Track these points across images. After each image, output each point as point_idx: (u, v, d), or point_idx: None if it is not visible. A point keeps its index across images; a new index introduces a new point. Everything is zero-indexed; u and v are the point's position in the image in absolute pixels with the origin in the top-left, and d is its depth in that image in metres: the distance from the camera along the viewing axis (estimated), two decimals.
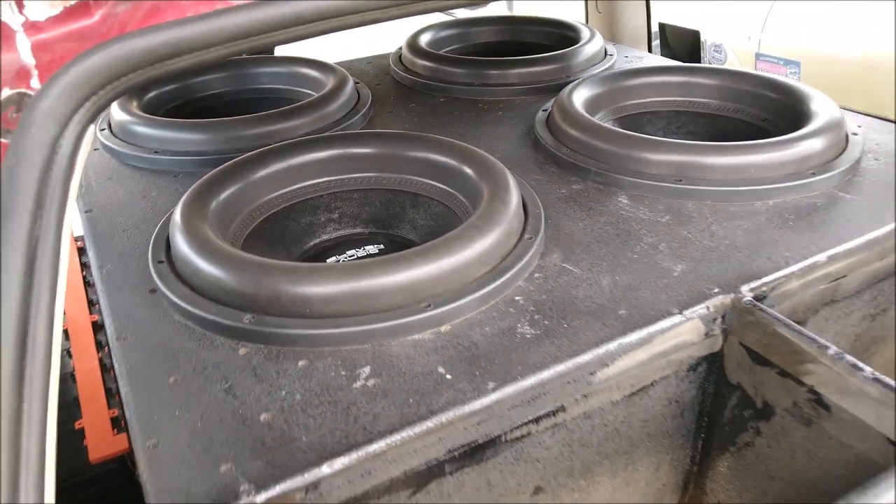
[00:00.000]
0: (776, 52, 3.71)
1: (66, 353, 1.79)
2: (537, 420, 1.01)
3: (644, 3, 2.68)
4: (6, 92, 0.82)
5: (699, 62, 2.92)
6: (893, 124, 1.71)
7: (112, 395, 1.70)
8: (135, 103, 1.81)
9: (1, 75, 0.81)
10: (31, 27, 0.81)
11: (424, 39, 2.24)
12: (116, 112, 1.77)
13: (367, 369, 1.01)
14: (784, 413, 1.09)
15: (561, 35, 2.28)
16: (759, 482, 1.19)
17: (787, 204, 1.37)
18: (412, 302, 1.08)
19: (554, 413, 1.02)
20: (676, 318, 1.08)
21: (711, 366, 1.17)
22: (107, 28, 0.81)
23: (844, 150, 1.50)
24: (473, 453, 0.97)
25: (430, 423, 0.91)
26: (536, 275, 1.20)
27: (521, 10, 6.29)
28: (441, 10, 0.97)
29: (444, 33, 2.32)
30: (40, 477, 0.70)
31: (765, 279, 1.15)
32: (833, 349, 1.00)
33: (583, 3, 2.80)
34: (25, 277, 0.69)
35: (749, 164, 1.39)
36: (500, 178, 1.31)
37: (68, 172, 0.76)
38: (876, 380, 0.95)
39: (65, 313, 1.90)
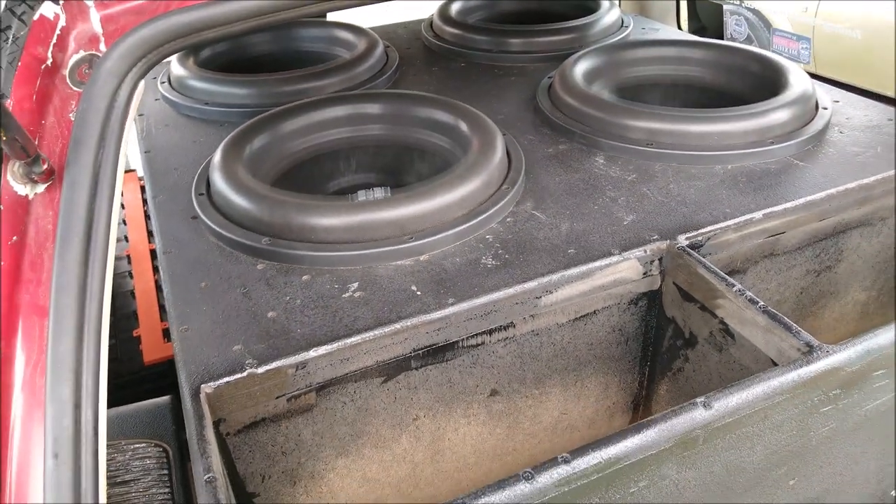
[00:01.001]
0: (838, 24, 3.74)
1: (128, 274, 2.10)
2: (490, 332, 1.24)
3: None
4: (81, 53, 1.09)
5: (722, 35, 3.03)
6: (873, 101, 1.84)
7: (165, 310, 2.01)
8: (192, 60, 2.08)
9: (78, 41, 1.08)
10: (101, 4, 1.06)
11: (454, 7, 2.44)
12: (175, 68, 2.05)
13: (355, 285, 1.25)
14: (704, 342, 1.30)
15: (582, 6, 2.44)
16: None
17: (744, 169, 1.54)
18: (399, 235, 1.32)
19: (505, 328, 1.25)
20: (615, 258, 1.29)
21: (652, 302, 1.38)
22: (156, 5, 1.07)
23: (810, 122, 1.65)
24: (435, 354, 1.22)
25: (397, 326, 1.16)
26: (508, 219, 1.42)
27: None
28: None
29: (473, 2, 2.51)
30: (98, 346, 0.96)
31: (701, 230, 1.34)
32: (737, 286, 1.19)
33: None
34: (91, 190, 0.95)
35: (712, 131, 1.56)
36: (488, 135, 1.52)
37: (124, 115, 1.02)
38: (765, 311, 1.14)
39: (127, 240, 2.22)
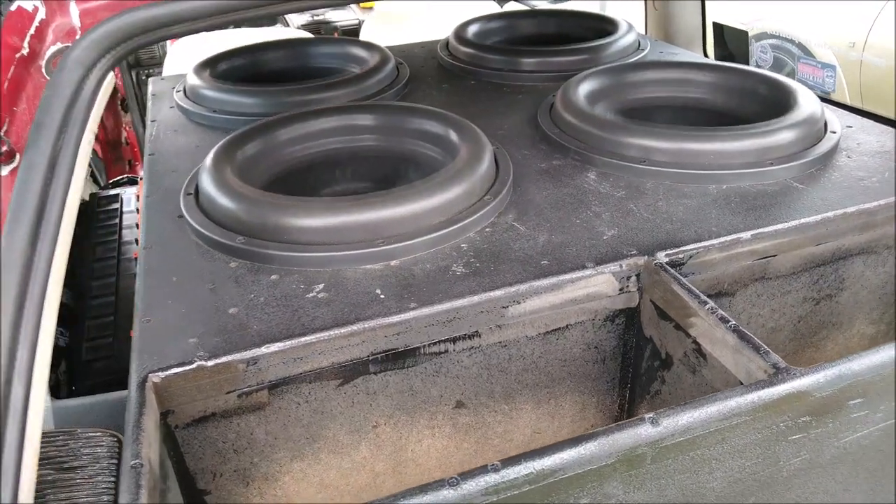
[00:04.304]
0: (889, 59, 3.65)
1: (133, 276, 2.14)
2: (454, 340, 1.22)
3: (699, 1, 2.77)
4: (58, 45, 1.12)
5: (747, 62, 2.96)
6: (890, 127, 1.77)
7: None
8: (208, 72, 2.13)
9: (56, 33, 1.11)
10: None
11: (472, 29, 2.45)
12: (190, 77, 2.10)
13: (321, 286, 1.25)
14: (678, 362, 1.24)
15: (600, 28, 2.43)
16: None
17: (740, 189, 1.49)
18: (371, 238, 1.31)
19: (469, 337, 1.22)
20: (588, 271, 1.25)
21: (630, 320, 1.33)
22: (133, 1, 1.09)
23: (815, 145, 1.59)
24: (395, 359, 1.19)
25: (354, 327, 1.14)
26: (487, 229, 1.39)
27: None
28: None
29: (491, 24, 2.52)
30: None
31: (682, 248, 1.30)
32: (710, 304, 1.14)
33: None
34: (47, 173, 0.97)
35: (707, 150, 1.52)
36: (475, 146, 1.51)
37: (89, 105, 1.04)
38: (735, 330, 1.09)
39: (138, 243, 2.27)
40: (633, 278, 1.29)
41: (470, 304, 1.19)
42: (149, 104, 2.15)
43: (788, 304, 1.46)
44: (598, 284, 1.27)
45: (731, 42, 2.84)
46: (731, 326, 1.10)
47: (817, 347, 1.57)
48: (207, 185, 1.43)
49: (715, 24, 2.77)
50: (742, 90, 1.84)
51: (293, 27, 4.14)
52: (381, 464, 1.29)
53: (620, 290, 1.29)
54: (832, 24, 3.86)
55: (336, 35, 4.28)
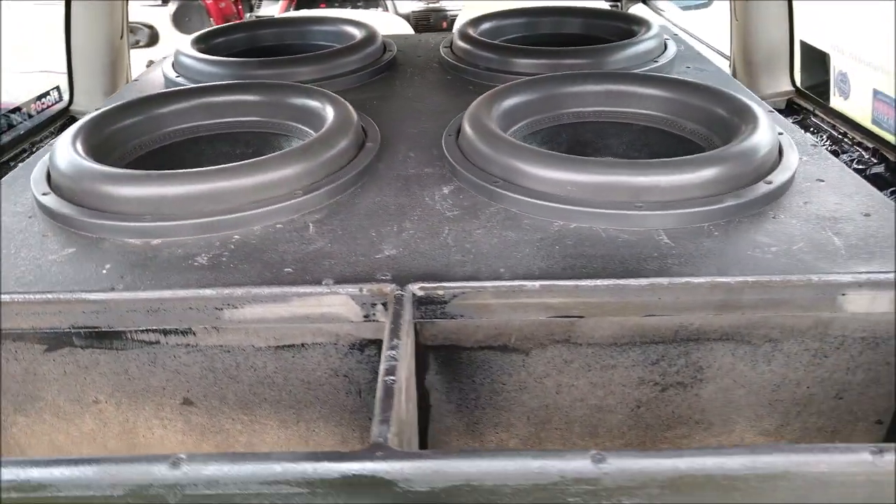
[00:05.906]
0: None
1: None
2: (165, 332, 1.14)
3: (787, 12, 2.33)
4: None
5: (827, 87, 2.43)
6: (877, 189, 1.36)
7: None
8: (202, 42, 2.20)
9: None
10: None
11: (483, 25, 2.27)
12: (181, 44, 2.18)
13: (71, 250, 1.23)
14: None
15: (627, 31, 2.13)
16: None
17: (587, 232, 1.23)
18: (142, 213, 1.27)
19: (183, 333, 1.14)
20: (321, 288, 1.11)
21: None
22: None
23: (727, 192, 1.27)
24: (100, 338, 1.15)
25: (48, 296, 1.11)
26: (279, 225, 1.29)
27: None
28: None
29: (507, 21, 2.32)
30: None
31: (444, 283, 1.10)
32: (392, 352, 0.95)
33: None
34: None
35: (565, 180, 1.27)
36: (324, 139, 1.41)
37: None
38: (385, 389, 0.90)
39: None
40: (380, 307, 1.12)
41: (175, 298, 1.11)
42: (145, 66, 2.27)
43: (617, 383, 1.19)
44: (335, 305, 1.12)
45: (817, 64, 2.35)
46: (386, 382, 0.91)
47: (675, 445, 1.26)
48: (56, 142, 1.47)
49: (803, 45, 2.30)
50: (701, 112, 1.52)
51: (391, 13, 4.15)
52: (111, 441, 1.26)
53: (365, 317, 1.12)
54: None
55: (444, 25, 4.24)
